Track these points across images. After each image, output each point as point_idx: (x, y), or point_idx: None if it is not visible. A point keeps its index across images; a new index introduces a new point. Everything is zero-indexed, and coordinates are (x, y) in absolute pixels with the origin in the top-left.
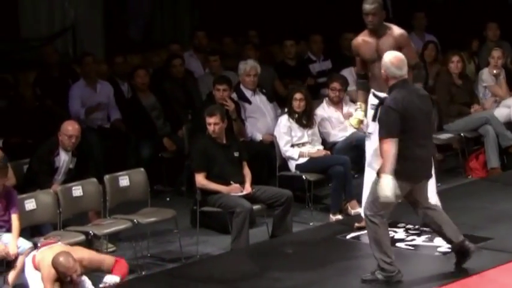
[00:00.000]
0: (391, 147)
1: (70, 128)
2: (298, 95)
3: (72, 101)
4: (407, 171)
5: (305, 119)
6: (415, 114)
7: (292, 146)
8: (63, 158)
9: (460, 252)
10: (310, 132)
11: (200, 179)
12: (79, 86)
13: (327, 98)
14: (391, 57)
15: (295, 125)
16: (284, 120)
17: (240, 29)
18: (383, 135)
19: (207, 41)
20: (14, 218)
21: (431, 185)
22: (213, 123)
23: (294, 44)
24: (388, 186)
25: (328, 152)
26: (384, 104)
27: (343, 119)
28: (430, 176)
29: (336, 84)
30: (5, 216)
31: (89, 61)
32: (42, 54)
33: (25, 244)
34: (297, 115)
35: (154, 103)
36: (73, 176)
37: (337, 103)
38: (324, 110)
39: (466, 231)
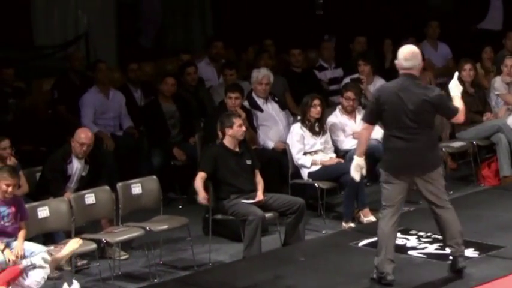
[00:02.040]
0: (363, 131)
1: (83, 135)
2: (317, 101)
3: (85, 109)
4: (388, 161)
5: (318, 127)
6: (393, 107)
7: (305, 154)
8: (76, 166)
9: (452, 263)
10: (322, 140)
11: (197, 177)
12: (91, 93)
13: (340, 106)
14: (406, 50)
15: (308, 133)
16: (297, 128)
17: (254, 38)
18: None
19: (225, 51)
20: (22, 225)
21: None
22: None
23: (301, 52)
24: (353, 167)
25: (341, 160)
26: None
27: (356, 126)
28: (421, 174)
29: (350, 94)
30: (16, 223)
31: (102, 68)
32: (68, 59)
33: (38, 248)
34: (309, 123)
35: (174, 112)
36: (85, 183)
37: (350, 112)
38: (337, 118)
39: (478, 239)
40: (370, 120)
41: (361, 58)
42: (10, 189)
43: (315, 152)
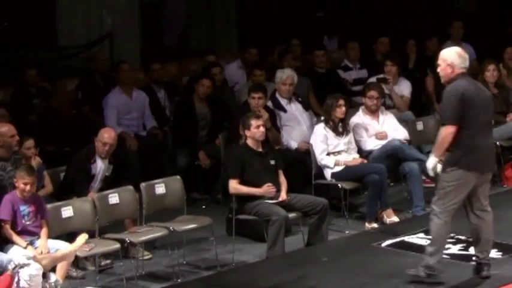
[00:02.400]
0: (448, 133)
1: (106, 135)
2: (342, 102)
3: (108, 110)
4: (469, 159)
5: (341, 127)
6: (475, 103)
7: (328, 154)
8: (100, 166)
9: (477, 269)
10: (346, 140)
11: (233, 184)
12: (115, 93)
13: (363, 106)
14: (457, 50)
15: (331, 134)
16: (320, 128)
17: (279, 38)
18: (444, 121)
19: (259, 58)
20: (44, 223)
21: None
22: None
23: (324, 53)
24: (430, 166)
25: (364, 160)
26: (446, 92)
27: (380, 127)
28: (493, 169)
29: (373, 93)
30: (37, 222)
31: (125, 68)
32: (91, 60)
33: (63, 245)
34: (333, 123)
35: (206, 114)
36: (109, 183)
37: (374, 112)
38: (360, 118)
39: (501, 239)
40: (458, 120)
41: (389, 58)
42: (28, 187)
43: (338, 152)
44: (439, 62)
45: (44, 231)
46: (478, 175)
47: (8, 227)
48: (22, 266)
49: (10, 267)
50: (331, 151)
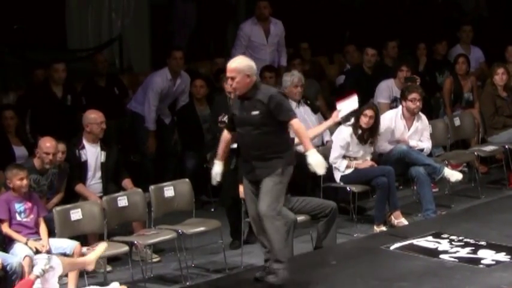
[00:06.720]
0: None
1: (94, 116)
2: (369, 112)
3: (152, 94)
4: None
5: (367, 136)
6: None
7: (344, 157)
8: (91, 152)
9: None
10: (367, 149)
11: (242, 190)
12: (162, 77)
13: (401, 110)
14: (248, 60)
15: (355, 140)
16: (346, 133)
17: (289, 41)
18: (291, 116)
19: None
20: (41, 221)
21: None
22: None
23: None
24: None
25: (374, 164)
26: (276, 96)
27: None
28: None
29: (415, 95)
30: (34, 218)
31: (177, 56)
32: (92, 62)
33: (67, 243)
34: (361, 131)
35: (208, 116)
36: (108, 171)
37: (413, 115)
38: (392, 121)
39: (510, 243)
40: None
41: (405, 64)
42: (24, 181)
43: (355, 158)
44: (233, 74)
45: (42, 229)
46: None
47: (6, 225)
48: (47, 271)
49: (36, 272)
50: (349, 155)
